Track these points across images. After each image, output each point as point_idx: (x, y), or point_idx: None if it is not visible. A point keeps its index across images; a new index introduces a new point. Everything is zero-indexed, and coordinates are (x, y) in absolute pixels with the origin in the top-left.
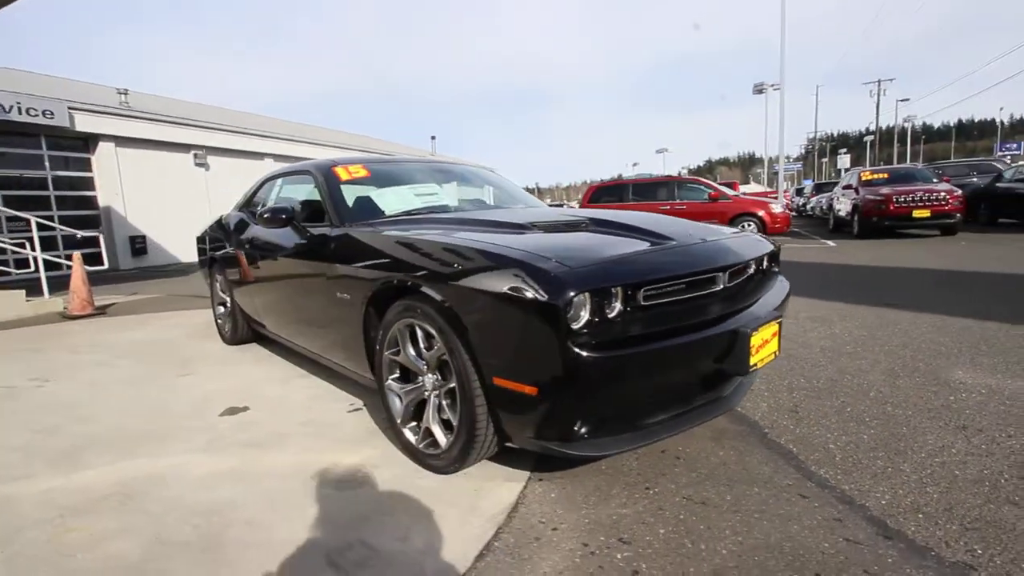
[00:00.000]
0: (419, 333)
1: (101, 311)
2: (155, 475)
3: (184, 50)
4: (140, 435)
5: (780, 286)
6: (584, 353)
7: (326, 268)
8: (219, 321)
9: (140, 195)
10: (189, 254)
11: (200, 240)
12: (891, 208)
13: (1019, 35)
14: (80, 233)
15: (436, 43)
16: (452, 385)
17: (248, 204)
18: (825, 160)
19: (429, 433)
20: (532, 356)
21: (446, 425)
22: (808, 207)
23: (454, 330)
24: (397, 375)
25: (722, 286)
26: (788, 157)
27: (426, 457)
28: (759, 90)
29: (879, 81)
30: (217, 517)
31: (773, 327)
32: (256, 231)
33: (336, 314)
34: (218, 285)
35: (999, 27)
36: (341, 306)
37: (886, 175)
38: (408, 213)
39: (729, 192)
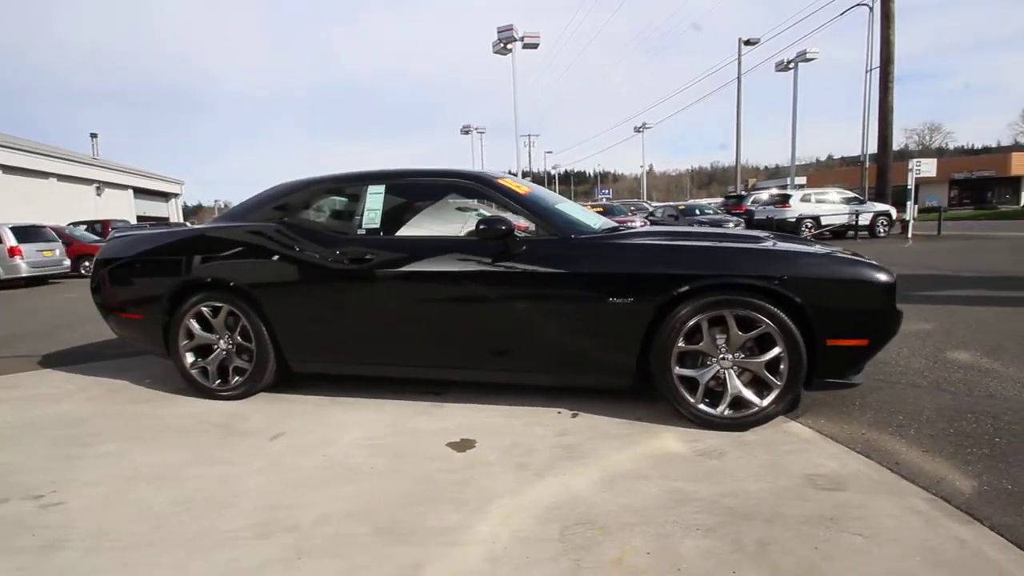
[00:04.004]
0: (729, 321)
1: None
2: (546, 503)
3: None
4: (399, 496)
5: None
6: (899, 310)
7: (586, 277)
8: (195, 372)
9: None
10: None
11: (134, 265)
12: None
13: (613, 119)
14: None
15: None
16: (769, 356)
17: (297, 212)
18: None
19: (737, 400)
20: (873, 318)
21: (754, 387)
22: None
23: (786, 312)
24: (679, 364)
25: None
26: None
27: (736, 419)
28: (466, 131)
29: (529, 135)
30: (699, 503)
31: None
32: (384, 241)
33: (599, 320)
34: (195, 324)
35: (603, 110)
36: (611, 312)
37: (602, 208)
38: (613, 229)
39: None
